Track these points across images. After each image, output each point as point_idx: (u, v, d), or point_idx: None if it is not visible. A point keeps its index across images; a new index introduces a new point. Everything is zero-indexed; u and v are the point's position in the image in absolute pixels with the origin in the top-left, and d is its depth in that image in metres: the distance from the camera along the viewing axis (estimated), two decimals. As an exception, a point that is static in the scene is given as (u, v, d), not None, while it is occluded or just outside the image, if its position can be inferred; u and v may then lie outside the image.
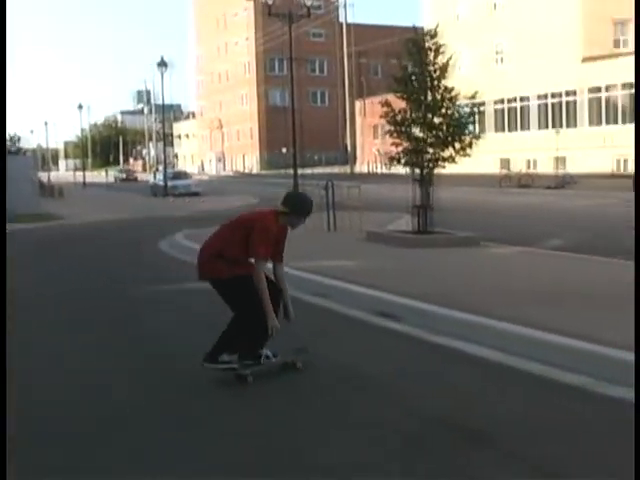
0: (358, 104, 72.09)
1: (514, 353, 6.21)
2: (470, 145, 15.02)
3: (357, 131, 72.37)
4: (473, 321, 7.07)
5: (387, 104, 15.36)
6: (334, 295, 9.10)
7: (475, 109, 15.63)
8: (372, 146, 66.22)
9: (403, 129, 15.22)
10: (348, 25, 69.83)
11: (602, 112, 45.97)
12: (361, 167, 66.43)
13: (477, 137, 15.57)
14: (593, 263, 11.44)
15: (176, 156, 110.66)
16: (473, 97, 15.63)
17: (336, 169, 61.85)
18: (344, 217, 17.28)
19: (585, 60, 45.80)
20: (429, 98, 15.04)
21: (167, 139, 70.31)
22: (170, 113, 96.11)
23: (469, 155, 15.13)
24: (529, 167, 47.25)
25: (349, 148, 71.10)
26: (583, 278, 9.82)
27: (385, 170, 53.19)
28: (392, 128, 15.39)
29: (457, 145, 14.93)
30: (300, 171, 29.10)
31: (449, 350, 6.60)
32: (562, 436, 4.54)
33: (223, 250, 5.87)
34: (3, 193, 10.59)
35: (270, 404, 5.36)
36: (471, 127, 16.12)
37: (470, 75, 42.29)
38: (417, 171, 14.97)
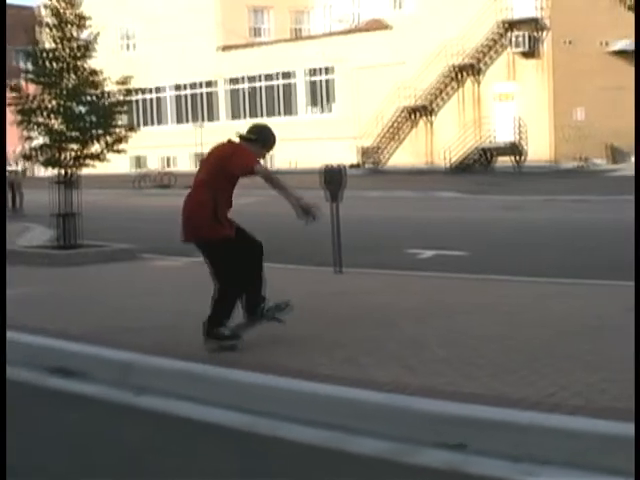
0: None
1: (270, 415, 4.95)
2: (124, 139, 13.81)
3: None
4: (196, 372, 5.69)
5: (16, 89, 13.63)
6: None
7: (127, 97, 14.36)
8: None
9: (39, 120, 13.51)
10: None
11: (243, 104, 46.86)
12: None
13: (132, 129, 14.38)
14: (300, 273, 10.83)
15: None
16: (124, 82, 14.31)
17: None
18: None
19: (222, 49, 46.30)
20: (70, 82, 13.50)
21: None
22: None
23: (124, 151, 14.03)
24: (167, 165, 46.66)
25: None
26: (307, 294, 8.91)
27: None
28: (23, 119, 13.59)
29: (108, 139, 13.62)
30: None
31: (176, 420, 5.16)
32: None
33: (216, 210, 6.14)
34: (3, 191, 9.47)
35: None
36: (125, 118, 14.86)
37: (99, 62, 40.42)
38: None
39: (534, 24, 33.84)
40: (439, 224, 18.35)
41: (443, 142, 36.63)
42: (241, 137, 6.34)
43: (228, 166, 6.05)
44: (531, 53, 34.11)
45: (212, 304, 6.24)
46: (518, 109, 33.39)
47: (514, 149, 33.21)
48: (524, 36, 33.59)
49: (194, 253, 13.62)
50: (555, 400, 4.58)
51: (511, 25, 34.46)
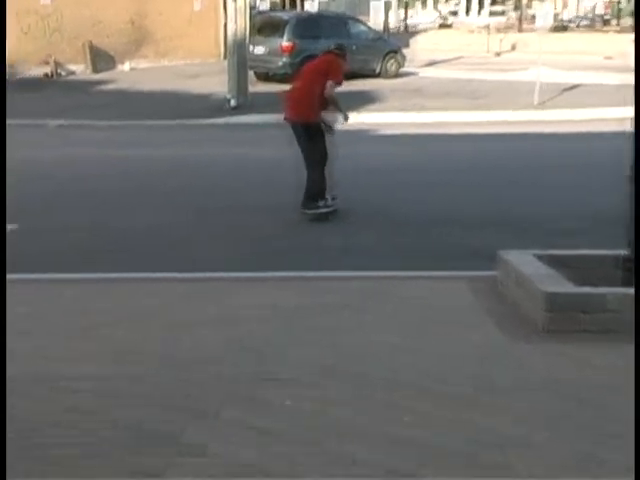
0: None
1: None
2: None
3: None
4: None
5: None
6: None
7: None
8: None
9: None
10: None
11: None
12: None
13: None
14: None
15: None
16: None
17: None
18: None
19: None
20: None
21: None
22: None
23: None
24: None
25: None
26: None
27: None
28: None
29: None
30: None
31: None
32: None
33: (314, 101, 9.61)
34: (3, 184, 8.09)
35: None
36: None
37: None
38: None
39: None
40: None
41: None
42: (334, 51, 10.02)
43: (330, 73, 9.58)
44: None
45: (307, 184, 9.69)
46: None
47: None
48: None
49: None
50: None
51: None
